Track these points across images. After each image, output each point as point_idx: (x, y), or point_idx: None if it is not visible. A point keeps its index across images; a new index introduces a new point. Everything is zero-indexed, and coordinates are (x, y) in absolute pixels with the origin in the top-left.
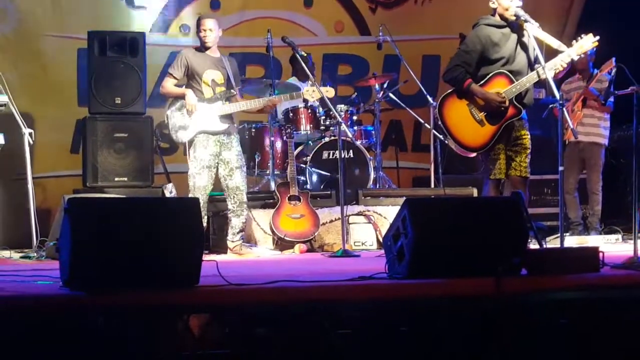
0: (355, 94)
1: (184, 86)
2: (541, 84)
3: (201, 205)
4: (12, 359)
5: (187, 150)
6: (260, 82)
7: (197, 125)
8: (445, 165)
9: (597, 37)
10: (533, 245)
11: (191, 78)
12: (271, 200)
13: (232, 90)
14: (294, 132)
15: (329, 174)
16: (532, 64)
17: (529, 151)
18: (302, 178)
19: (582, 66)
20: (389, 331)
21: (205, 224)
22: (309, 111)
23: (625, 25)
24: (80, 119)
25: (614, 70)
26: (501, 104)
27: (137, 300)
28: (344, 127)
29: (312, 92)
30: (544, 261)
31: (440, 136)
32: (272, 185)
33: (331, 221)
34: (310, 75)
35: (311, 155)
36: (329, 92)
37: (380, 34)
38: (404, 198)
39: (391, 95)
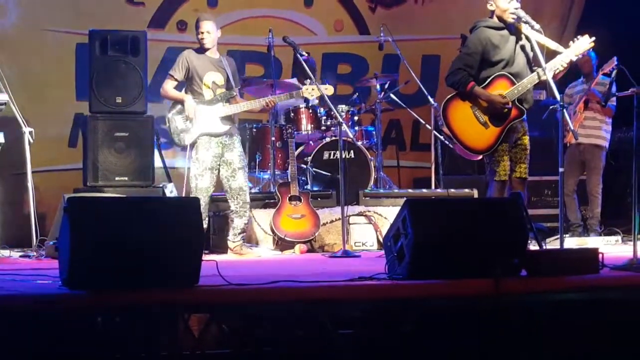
0: (357, 94)
1: (183, 88)
2: (541, 85)
3: (203, 206)
4: (11, 358)
5: (189, 153)
6: (261, 81)
7: (199, 128)
8: (446, 165)
9: (593, 38)
10: (533, 246)
11: (192, 80)
12: (272, 201)
13: (232, 92)
14: (295, 132)
15: (329, 174)
16: (531, 66)
17: (528, 152)
18: (303, 178)
19: (587, 70)
20: (389, 332)
21: (205, 225)
22: (310, 111)
23: (625, 26)
24: (79, 113)
25: (614, 71)
26: (505, 106)
27: (137, 299)
28: (344, 127)
29: (312, 90)
30: (543, 262)
31: (441, 137)
32: (273, 186)
33: (332, 221)
34: (311, 75)
35: (312, 155)
36: (327, 89)
37: (382, 34)
38: (405, 199)
39: (392, 95)
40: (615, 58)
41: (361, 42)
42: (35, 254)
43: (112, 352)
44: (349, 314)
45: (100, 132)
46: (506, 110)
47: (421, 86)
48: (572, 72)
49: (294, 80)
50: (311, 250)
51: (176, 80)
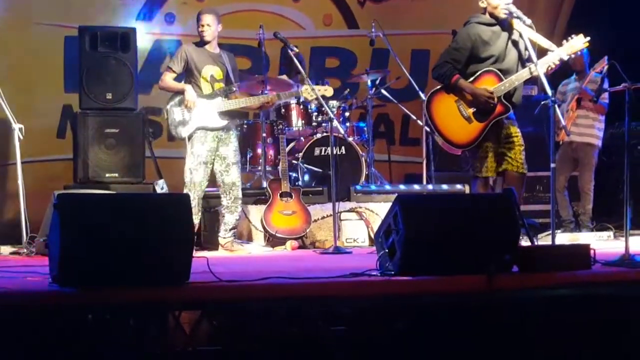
0: (348, 90)
1: (182, 81)
2: (533, 81)
3: (196, 201)
4: (1, 356)
5: (186, 145)
6: (252, 77)
7: (196, 121)
8: (438, 161)
9: (588, 38)
10: (524, 242)
11: (190, 73)
12: (263, 197)
13: (231, 87)
14: (286, 128)
15: (320, 170)
16: (523, 62)
17: (523, 148)
18: (294, 174)
19: (579, 68)
20: (381, 328)
21: (198, 220)
22: (301, 107)
23: (616, 23)
24: (67, 105)
25: (605, 68)
26: (489, 100)
27: (127, 296)
28: (336, 123)
29: (311, 91)
30: (535, 258)
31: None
32: (264, 182)
33: (323, 218)
34: (303, 72)
35: (303, 151)
36: (327, 90)
37: (373, 29)
38: (396, 195)
39: (383, 91)
40: (606, 57)
41: (350, 36)
42: (25, 250)
43: (103, 350)
44: (341, 310)
45: (91, 129)
46: (491, 105)
47: (412, 81)
48: (565, 69)
49: (284, 77)
50: (302, 246)
51: (175, 72)
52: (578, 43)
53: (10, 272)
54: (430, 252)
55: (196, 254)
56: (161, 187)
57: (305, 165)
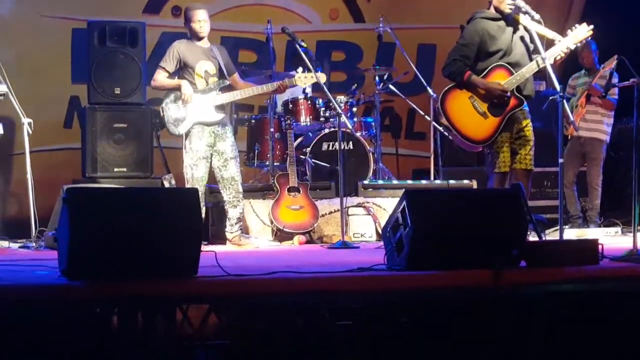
0: (355, 85)
1: (176, 77)
2: (541, 75)
3: (199, 196)
4: (10, 349)
5: (183, 142)
6: (260, 72)
7: (193, 117)
8: (446, 157)
9: (591, 27)
10: (532, 237)
11: (183, 70)
12: (270, 192)
13: (225, 81)
14: (294, 124)
15: (328, 165)
16: (530, 55)
17: (532, 143)
18: (302, 169)
19: (588, 64)
20: (388, 323)
21: (203, 215)
22: (309, 102)
23: (628, 18)
24: (74, 96)
25: (614, 64)
26: (503, 93)
27: (135, 290)
28: (343, 118)
29: (304, 77)
30: (543, 253)
31: (440, 128)
32: (272, 177)
33: (330, 212)
34: (311, 67)
35: (311, 146)
36: (320, 77)
37: (381, 24)
38: (404, 190)
39: (391, 87)
40: (615, 56)
41: (356, 30)
42: (34, 244)
43: (110, 343)
44: (348, 305)
45: (99, 123)
46: (505, 98)
47: (419, 76)
48: (574, 63)
49: (292, 73)
50: (310, 241)
51: (167, 71)
52: (582, 32)
53: (19, 265)
54: (438, 247)
55: (204, 248)
56: (169, 181)
57: (313, 160)
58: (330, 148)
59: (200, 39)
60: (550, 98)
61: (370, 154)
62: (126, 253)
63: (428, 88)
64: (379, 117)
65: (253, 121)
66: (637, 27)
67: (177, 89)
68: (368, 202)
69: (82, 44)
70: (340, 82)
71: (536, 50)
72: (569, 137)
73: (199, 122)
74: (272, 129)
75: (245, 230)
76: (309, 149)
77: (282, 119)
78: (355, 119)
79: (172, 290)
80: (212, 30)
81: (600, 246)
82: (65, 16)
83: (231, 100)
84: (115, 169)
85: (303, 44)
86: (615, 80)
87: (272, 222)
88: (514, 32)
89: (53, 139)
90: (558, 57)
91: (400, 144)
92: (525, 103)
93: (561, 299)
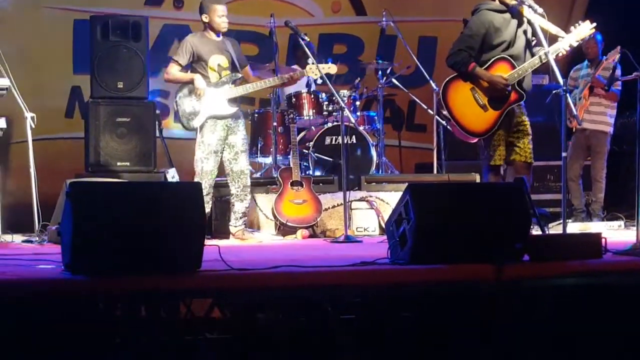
0: (359, 79)
1: (189, 71)
2: (544, 70)
3: (207, 189)
4: (13, 343)
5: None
6: (263, 66)
7: (206, 110)
8: (449, 150)
9: (594, 24)
10: (535, 231)
11: (196, 64)
12: (274, 186)
13: (237, 74)
14: (297, 118)
15: (331, 159)
16: (531, 50)
17: (530, 136)
18: (305, 163)
19: (592, 55)
20: (391, 317)
21: (209, 209)
22: (312, 96)
23: (633, 12)
24: (76, 86)
25: (617, 57)
26: (506, 87)
27: (139, 284)
28: (346, 112)
29: (315, 69)
30: (546, 247)
31: (443, 122)
32: (275, 171)
33: (333, 207)
34: (313, 58)
35: (314, 140)
36: (330, 68)
37: (384, 18)
38: (407, 184)
39: (394, 80)
40: (619, 47)
41: (358, 23)
42: (37, 239)
43: (114, 337)
44: (351, 299)
45: (102, 118)
46: (506, 92)
47: (422, 69)
48: (577, 55)
49: (296, 67)
50: (313, 235)
51: (180, 65)
52: (585, 29)
53: (22, 260)
54: (441, 241)
55: (208, 242)
56: (172, 175)
57: (316, 154)
58: (334, 142)
59: (218, 33)
60: (554, 92)
61: (374, 147)
62: (129, 247)
63: (431, 82)
64: (382, 111)
65: (256, 115)
66: None
67: (191, 82)
68: (371, 196)
69: (84, 35)
70: (341, 75)
71: (538, 44)
72: (573, 130)
73: (212, 115)
74: (275, 123)
75: (250, 225)
76: (312, 143)
77: (285, 113)
78: (358, 113)
79: (176, 284)
80: None
81: (603, 240)
82: (67, 7)
83: (244, 93)
84: (119, 163)
85: (306, 38)
86: (618, 72)
87: (275, 217)
88: (519, 25)
89: (55, 128)
90: (560, 54)
91: (401, 136)
92: (524, 98)
93: (564, 293)
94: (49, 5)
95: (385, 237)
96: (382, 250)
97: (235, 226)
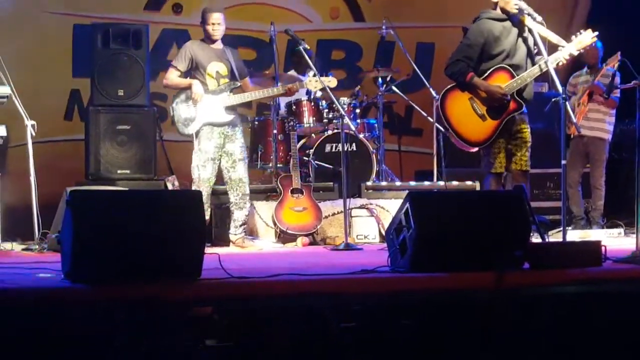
0: (359, 86)
1: (187, 77)
2: (543, 77)
3: (205, 197)
4: (13, 352)
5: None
6: (262, 74)
7: (203, 117)
8: (449, 158)
9: (596, 33)
10: (535, 239)
11: (195, 71)
12: (274, 193)
13: (236, 82)
14: (297, 125)
15: (331, 166)
16: (532, 58)
17: (529, 145)
18: (305, 171)
19: (592, 61)
20: (392, 324)
21: (208, 216)
22: (312, 104)
23: (634, 21)
24: (75, 89)
25: (617, 63)
26: (503, 97)
27: (139, 293)
28: (346, 120)
29: (315, 82)
30: (546, 255)
31: (442, 129)
32: (275, 179)
33: (334, 214)
34: (314, 69)
35: (314, 148)
36: (331, 82)
37: (384, 26)
38: (407, 191)
39: (394, 88)
40: (619, 53)
41: (356, 29)
42: (37, 247)
43: (114, 346)
44: (351, 307)
45: (102, 125)
46: (505, 102)
47: (421, 76)
48: (576, 62)
49: (293, 73)
50: (313, 243)
51: (179, 71)
52: (586, 38)
53: (22, 268)
54: (442, 249)
55: (207, 250)
56: (172, 183)
57: (316, 161)
58: (333, 149)
59: (214, 41)
60: (553, 100)
61: (374, 155)
62: (129, 255)
63: (431, 89)
64: (382, 118)
65: (256, 122)
66: None
67: (189, 88)
68: (371, 204)
69: (83, 40)
70: (339, 80)
71: (539, 53)
72: (572, 137)
73: (208, 122)
74: (275, 131)
75: (250, 232)
76: (312, 151)
77: (285, 120)
78: (358, 121)
79: (176, 292)
80: None
81: (603, 248)
82: (67, 12)
83: (242, 101)
84: (119, 171)
85: (306, 46)
86: (617, 79)
87: (275, 224)
88: (520, 34)
89: (54, 130)
90: (560, 64)
91: (400, 141)
92: (524, 107)
93: (564, 301)
94: (49, 10)
95: (385, 244)
96: (382, 258)
97: (235, 234)
